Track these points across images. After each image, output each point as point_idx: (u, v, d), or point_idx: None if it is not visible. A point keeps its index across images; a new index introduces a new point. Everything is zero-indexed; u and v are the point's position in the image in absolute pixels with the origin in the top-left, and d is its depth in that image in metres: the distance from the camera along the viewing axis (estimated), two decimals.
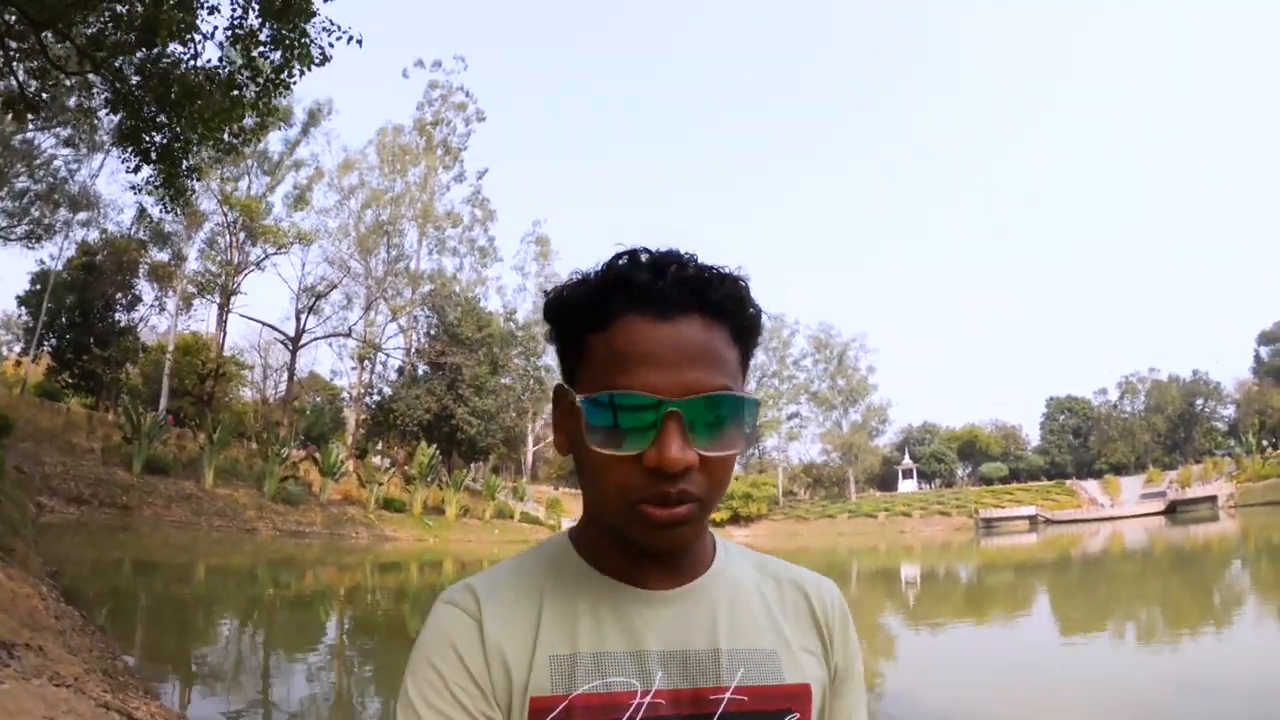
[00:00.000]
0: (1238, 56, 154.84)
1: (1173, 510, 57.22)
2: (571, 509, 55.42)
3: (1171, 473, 69.66)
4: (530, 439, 64.24)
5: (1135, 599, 17.59)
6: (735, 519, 62.91)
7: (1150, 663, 10.53)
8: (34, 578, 8.96)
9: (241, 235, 45.67)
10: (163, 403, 41.26)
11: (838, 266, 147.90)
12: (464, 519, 43.92)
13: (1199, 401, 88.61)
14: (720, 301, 0.87)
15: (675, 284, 0.85)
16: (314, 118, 47.76)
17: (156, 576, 17.13)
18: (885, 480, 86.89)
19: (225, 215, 44.23)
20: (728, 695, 0.88)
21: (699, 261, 0.89)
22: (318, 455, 39.46)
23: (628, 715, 0.85)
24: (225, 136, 13.39)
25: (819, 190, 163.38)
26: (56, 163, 39.39)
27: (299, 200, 49.11)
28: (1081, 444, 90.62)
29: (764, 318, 0.94)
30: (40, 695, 4.49)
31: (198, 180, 16.51)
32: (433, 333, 52.02)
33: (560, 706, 0.84)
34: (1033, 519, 60.49)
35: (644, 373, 0.82)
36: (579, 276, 0.91)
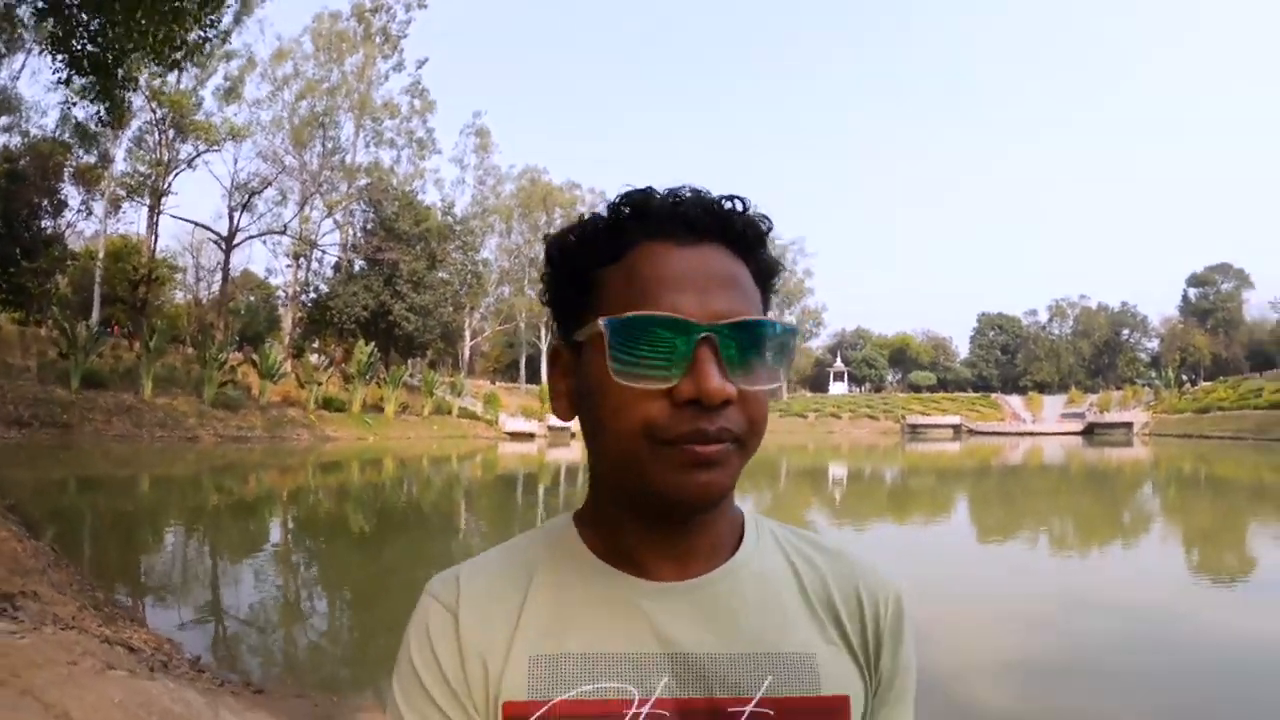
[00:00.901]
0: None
1: (1090, 431, 59.97)
2: (508, 403, 55.83)
3: (1092, 396, 73.12)
4: (467, 333, 64.18)
5: (1047, 511, 18.56)
6: None
7: (1049, 572, 11.15)
8: (2, 517, 9.06)
9: (171, 132, 43.97)
10: (95, 312, 40.39)
11: (780, 173, 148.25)
12: (403, 416, 44.14)
13: (1125, 332, 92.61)
14: (743, 233, 0.79)
15: (699, 210, 0.77)
16: (246, 5, 45.53)
17: (101, 493, 17.11)
18: (817, 381, 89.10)
19: (154, 112, 42.32)
20: (750, 708, 0.75)
21: (714, 194, 0.80)
22: (255, 357, 39.11)
23: None
24: (168, 53, 12.83)
25: (762, 98, 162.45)
26: None
27: (230, 93, 47.32)
28: (1009, 360, 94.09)
29: (781, 266, 0.85)
30: (56, 642, 4.70)
31: (133, 91, 15.79)
32: (369, 228, 51.24)
33: (537, 714, 0.74)
34: (957, 428, 62.89)
35: (670, 297, 0.72)
36: (587, 216, 0.82)
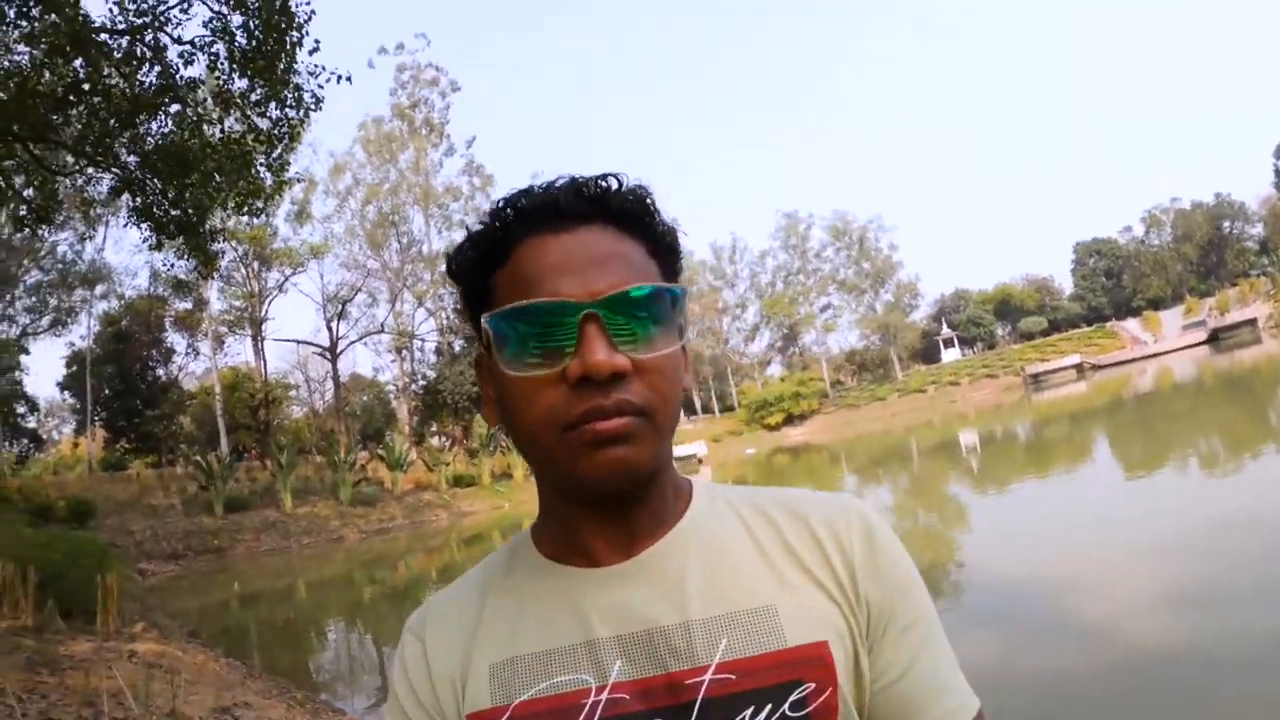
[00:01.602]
0: None
1: (1215, 338, 56.87)
2: None
3: (1209, 300, 68.85)
4: None
5: (1191, 432, 17.86)
6: (789, 419, 62.93)
7: (1206, 496, 10.69)
8: (188, 642, 9.89)
9: (256, 264, 46.48)
10: (223, 442, 42.81)
11: (847, 146, 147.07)
12: (532, 479, 44.78)
13: (1226, 224, 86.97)
14: (624, 209, 0.78)
15: (571, 195, 0.77)
16: (295, 135, 47.72)
17: (263, 605, 18.05)
18: (928, 353, 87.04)
19: (235, 250, 44.65)
20: (708, 676, 0.73)
21: (594, 177, 0.79)
22: (381, 452, 40.62)
23: (583, 716, 0.73)
24: (249, 203, 13.73)
25: (824, 80, 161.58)
26: (61, 248, 40.50)
27: (300, 215, 49.30)
28: (1115, 284, 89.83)
29: (679, 234, 0.83)
30: None
31: (225, 241, 16.69)
32: (460, 308, 52.44)
33: (503, 718, 0.75)
34: (1079, 367, 59.99)
35: (552, 284, 0.73)
36: (476, 225, 0.82)
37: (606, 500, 0.76)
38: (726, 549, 0.79)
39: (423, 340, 55.22)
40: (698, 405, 74.92)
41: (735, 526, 0.82)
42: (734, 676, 0.72)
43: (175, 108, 12.70)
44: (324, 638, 13.86)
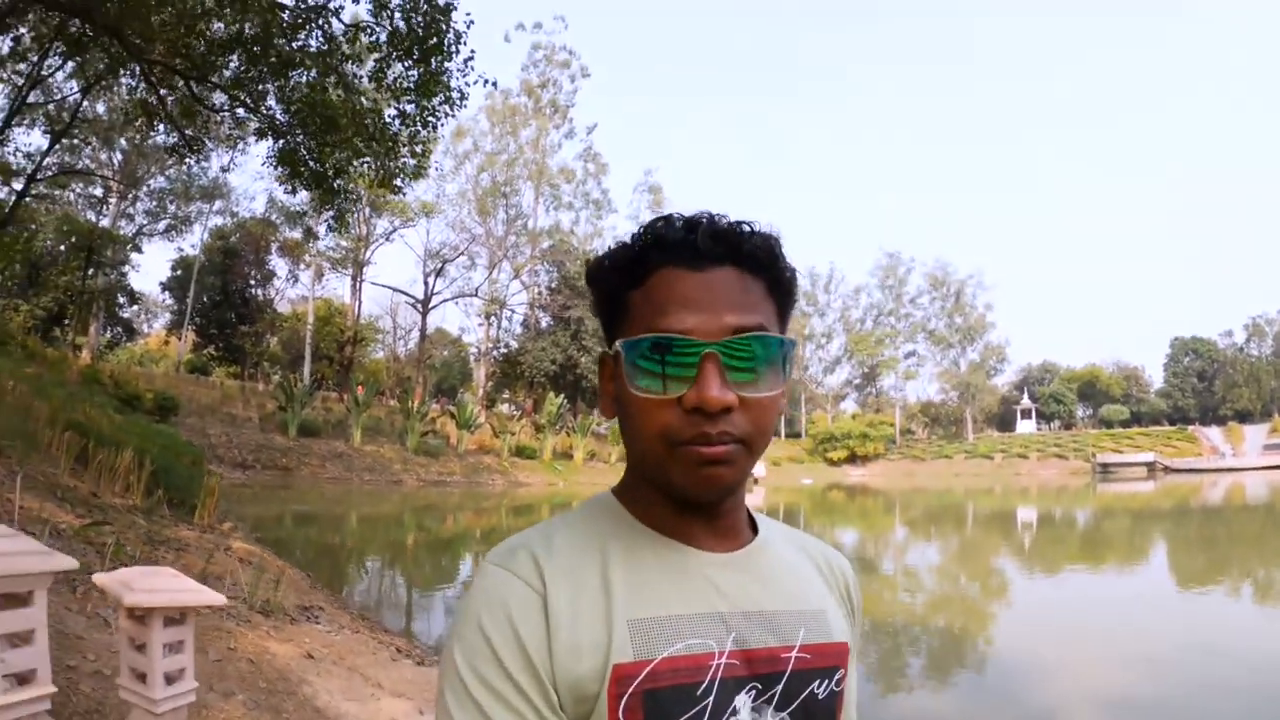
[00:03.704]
0: None
1: None
2: None
3: None
4: None
5: (1253, 557, 17.57)
6: (852, 458, 62.88)
7: (1245, 626, 10.56)
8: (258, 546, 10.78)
9: (368, 210, 48.06)
10: (307, 369, 45.04)
11: (956, 201, 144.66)
12: (591, 463, 45.53)
13: None
14: (753, 253, 0.86)
15: (708, 237, 0.85)
16: (436, 125, 49.52)
17: (315, 527, 18.91)
18: (1003, 420, 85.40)
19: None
20: (794, 654, 0.88)
21: (730, 218, 0.88)
22: (453, 409, 41.94)
23: (709, 676, 0.83)
24: (391, 182, 14.66)
25: (937, 124, 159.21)
26: (188, 161, 42.88)
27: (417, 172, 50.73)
28: (1206, 388, 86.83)
29: (799, 277, 0.94)
30: (355, 640, 6.14)
31: (357, 202, 17.48)
32: (554, 286, 53.78)
33: (645, 671, 0.81)
34: (1151, 465, 58.47)
35: (682, 317, 0.82)
36: (618, 243, 0.91)
37: (699, 505, 0.89)
38: (790, 561, 0.98)
39: (512, 310, 56.69)
40: None
41: (790, 545, 1.01)
42: (809, 656, 0.90)
43: (331, 77, 13.58)
44: (363, 569, 14.60)
